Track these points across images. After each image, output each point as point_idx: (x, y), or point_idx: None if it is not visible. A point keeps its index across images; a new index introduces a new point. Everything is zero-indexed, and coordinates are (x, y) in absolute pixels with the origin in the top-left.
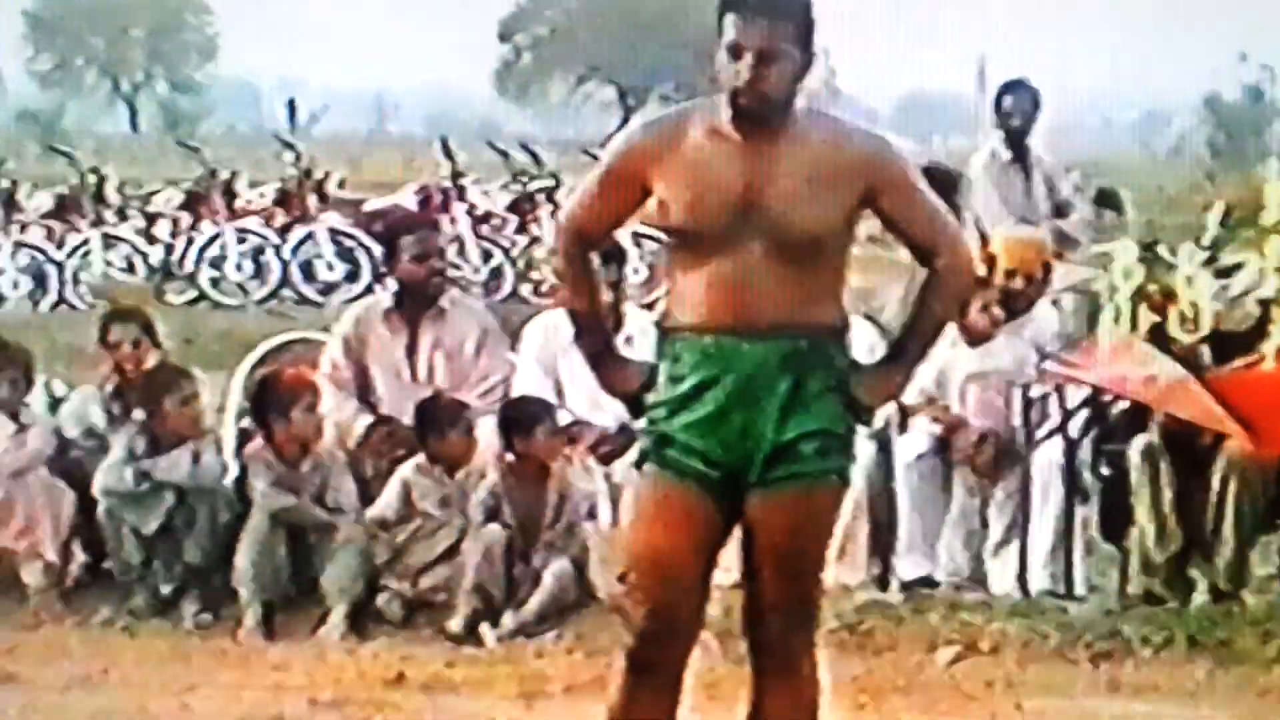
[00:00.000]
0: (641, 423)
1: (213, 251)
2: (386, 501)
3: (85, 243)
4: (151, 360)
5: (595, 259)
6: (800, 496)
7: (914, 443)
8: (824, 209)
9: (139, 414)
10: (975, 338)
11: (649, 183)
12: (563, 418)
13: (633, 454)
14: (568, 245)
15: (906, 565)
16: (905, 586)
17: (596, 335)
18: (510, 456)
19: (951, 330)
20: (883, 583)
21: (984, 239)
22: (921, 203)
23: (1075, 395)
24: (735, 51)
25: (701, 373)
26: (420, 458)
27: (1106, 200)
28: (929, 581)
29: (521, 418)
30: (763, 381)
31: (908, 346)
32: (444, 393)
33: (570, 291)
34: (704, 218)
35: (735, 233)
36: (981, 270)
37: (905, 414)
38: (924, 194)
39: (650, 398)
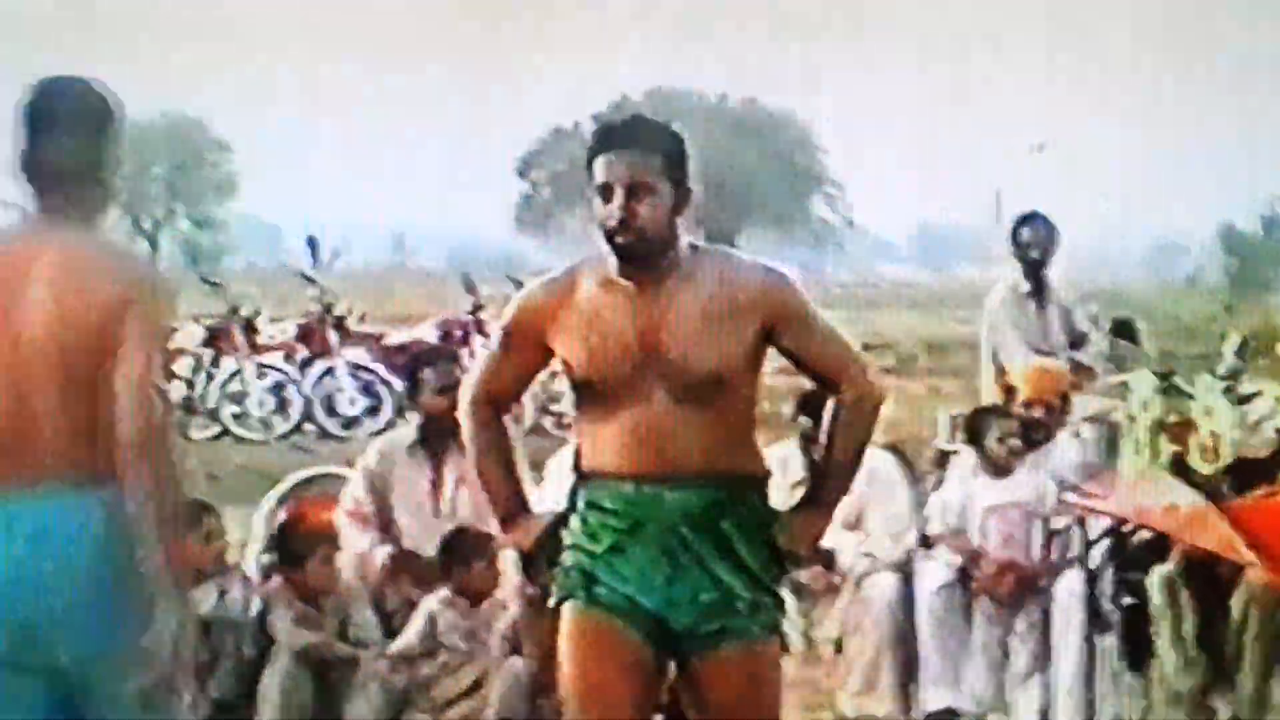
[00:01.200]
0: (564, 560)
1: (234, 387)
2: (411, 635)
3: None
4: None
5: (507, 421)
6: (741, 657)
7: (936, 574)
8: (722, 348)
9: None
10: (996, 469)
11: (547, 340)
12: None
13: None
14: (477, 411)
15: (931, 695)
16: (930, 717)
17: (509, 498)
18: (531, 589)
19: (972, 461)
20: (907, 713)
21: (1002, 370)
22: (822, 335)
23: (1096, 526)
24: (605, 192)
25: (624, 519)
26: (444, 591)
27: (1123, 331)
28: (953, 713)
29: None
30: (687, 531)
31: (826, 485)
32: (469, 525)
33: (480, 457)
34: (604, 368)
35: (638, 380)
36: (1000, 400)
37: (927, 545)
38: (823, 326)
39: (569, 538)
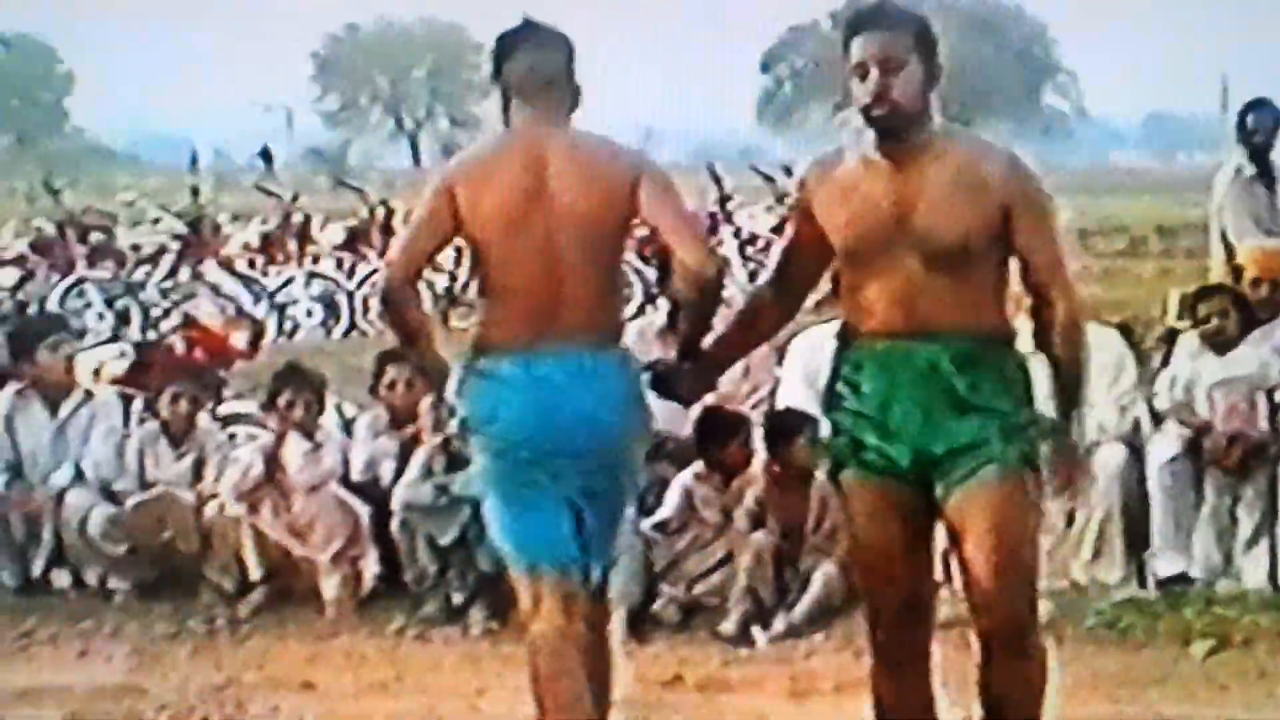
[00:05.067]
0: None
1: None
2: (669, 509)
3: (374, 272)
4: (424, 398)
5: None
6: (991, 488)
7: (1165, 447)
8: (967, 221)
9: (436, 436)
10: (1220, 346)
11: (815, 212)
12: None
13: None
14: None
15: (1162, 563)
16: (1161, 584)
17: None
18: (775, 466)
19: (1197, 338)
20: (1139, 580)
21: (1230, 250)
22: (1048, 238)
23: None
24: (861, 71)
25: (880, 377)
26: (699, 466)
27: None
28: (1184, 578)
29: (784, 429)
30: (936, 380)
31: (1065, 403)
32: (722, 406)
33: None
34: (861, 237)
35: (892, 247)
36: (1229, 280)
37: (1157, 419)
38: (1052, 230)
39: (836, 406)
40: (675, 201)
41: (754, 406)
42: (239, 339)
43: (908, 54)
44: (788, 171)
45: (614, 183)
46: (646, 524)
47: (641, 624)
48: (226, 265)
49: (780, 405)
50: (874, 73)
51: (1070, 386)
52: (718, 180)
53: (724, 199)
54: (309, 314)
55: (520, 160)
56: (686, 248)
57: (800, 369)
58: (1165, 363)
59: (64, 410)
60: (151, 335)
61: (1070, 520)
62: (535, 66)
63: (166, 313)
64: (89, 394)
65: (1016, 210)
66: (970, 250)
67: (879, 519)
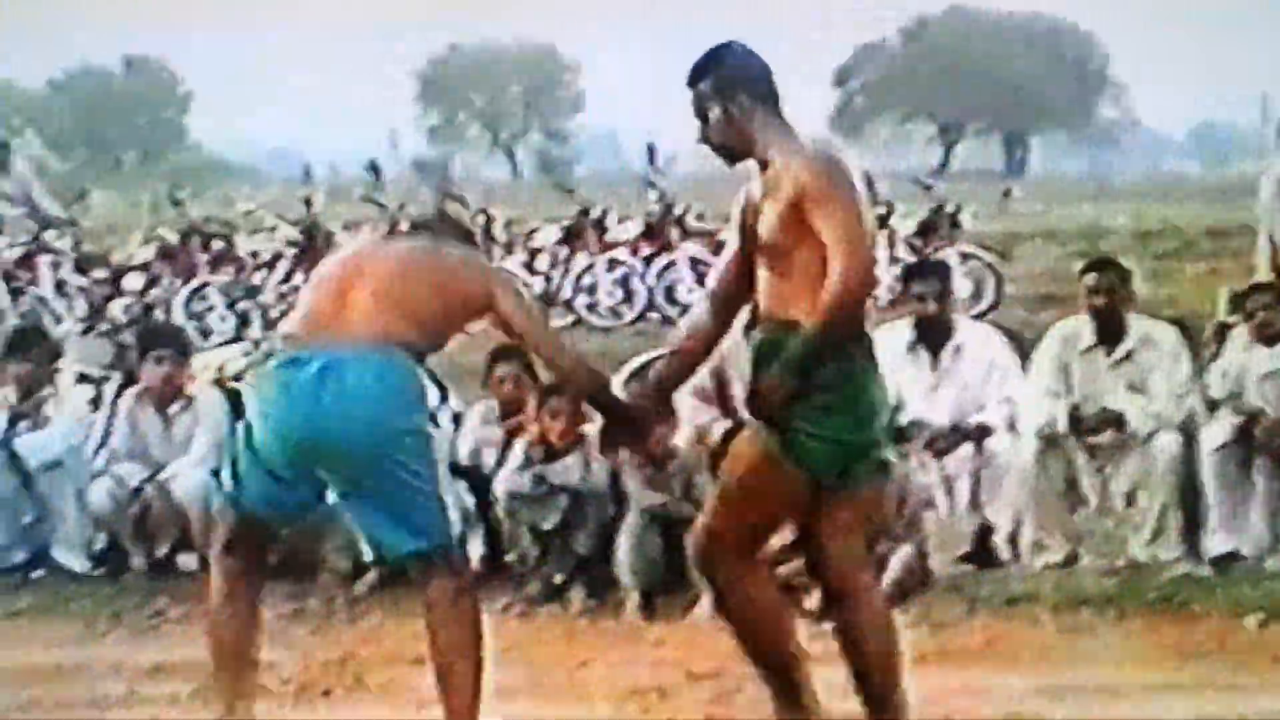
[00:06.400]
0: None
1: (587, 280)
2: None
3: None
4: (530, 393)
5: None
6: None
7: (1218, 434)
8: (771, 219)
9: (533, 427)
10: (1268, 339)
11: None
12: (901, 418)
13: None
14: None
15: (1215, 542)
16: (1214, 561)
17: None
18: None
19: (1246, 334)
20: (1195, 558)
21: (1276, 251)
22: (832, 224)
23: None
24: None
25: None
26: None
27: None
28: (1235, 556)
29: None
30: (764, 366)
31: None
32: None
33: None
34: (742, 244)
35: (753, 250)
36: (1274, 278)
37: (1211, 408)
38: (837, 217)
39: None
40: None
41: None
42: None
43: (710, 103)
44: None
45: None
46: None
47: None
48: None
49: None
50: (699, 122)
51: (801, 346)
52: None
53: None
54: None
55: None
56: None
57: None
58: (1217, 355)
59: (171, 409)
60: (271, 335)
61: (1130, 502)
62: None
63: (284, 314)
64: (192, 397)
65: (805, 204)
66: (779, 246)
67: None
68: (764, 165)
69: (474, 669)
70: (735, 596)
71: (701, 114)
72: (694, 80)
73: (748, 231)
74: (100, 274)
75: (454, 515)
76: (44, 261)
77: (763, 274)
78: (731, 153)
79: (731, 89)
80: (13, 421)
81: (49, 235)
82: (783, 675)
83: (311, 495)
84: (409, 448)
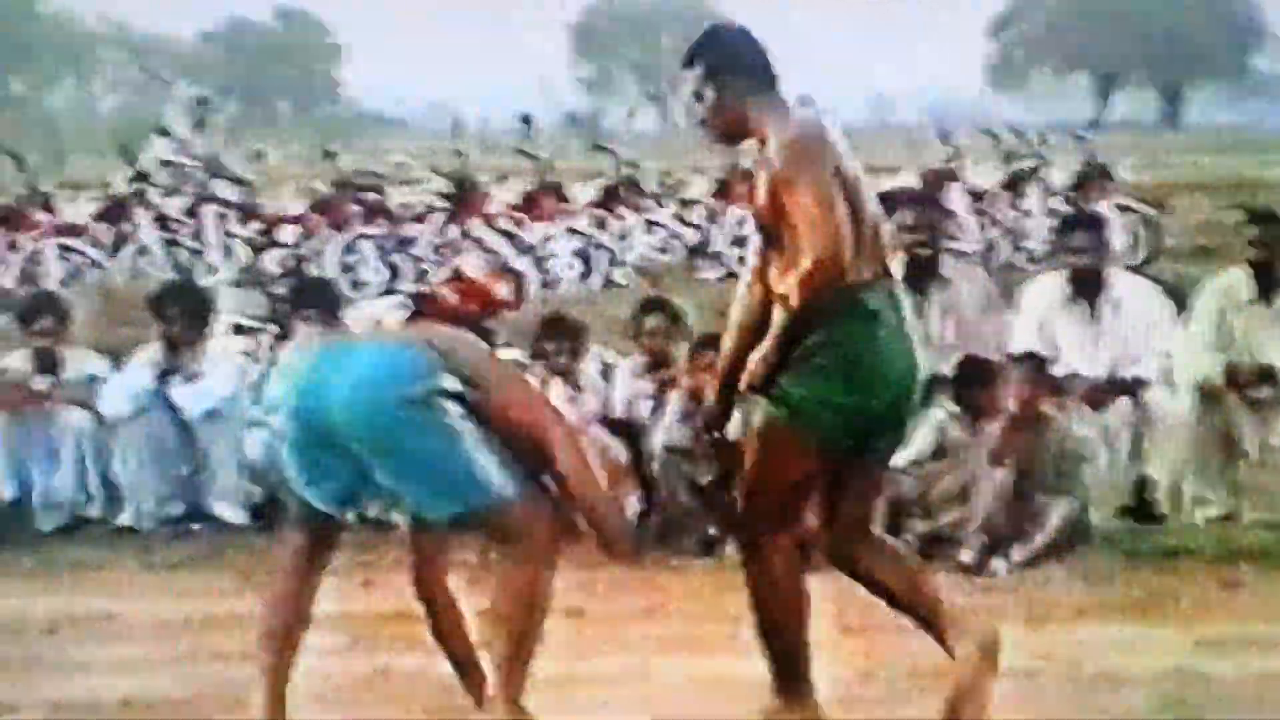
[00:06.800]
0: None
1: (740, 232)
2: (923, 444)
3: (628, 228)
4: (679, 344)
5: None
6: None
7: None
8: (759, 201)
9: (685, 380)
10: None
11: None
12: (1058, 370)
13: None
14: None
15: None
16: None
17: None
18: (1013, 407)
19: None
20: None
21: None
22: (800, 205)
23: None
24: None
25: None
26: (952, 406)
27: None
28: None
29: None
30: None
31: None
32: (976, 354)
33: None
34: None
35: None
36: None
37: None
38: (805, 197)
39: None
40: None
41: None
42: (503, 290)
43: (702, 86)
44: (1016, 134)
45: None
46: (898, 459)
47: None
48: (490, 222)
49: (1016, 348)
50: (692, 104)
51: (780, 323)
52: (947, 141)
53: (953, 157)
54: (569, 267)
55: None
56: None
57: (1032, 314)
58: None
59: None
60: (423, 288)
61: None
62: None
63: (436, 266)
64: None
65: (779, 185)
66: (768, 226)
67: None
68: (761, 145)
69: (515, 635)
70: (761, 571)
71: (695, 96)
72: (687, 63)
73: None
74: (256, 226)
75: (496, 473)
76: (210, 211)
77: (764, 251)
78: (726, 135)
79: (723, 73)
80: (164, 375)
81: (217, 185)
82: (795, 658)
83: (352, 477)
84: (411, 418)
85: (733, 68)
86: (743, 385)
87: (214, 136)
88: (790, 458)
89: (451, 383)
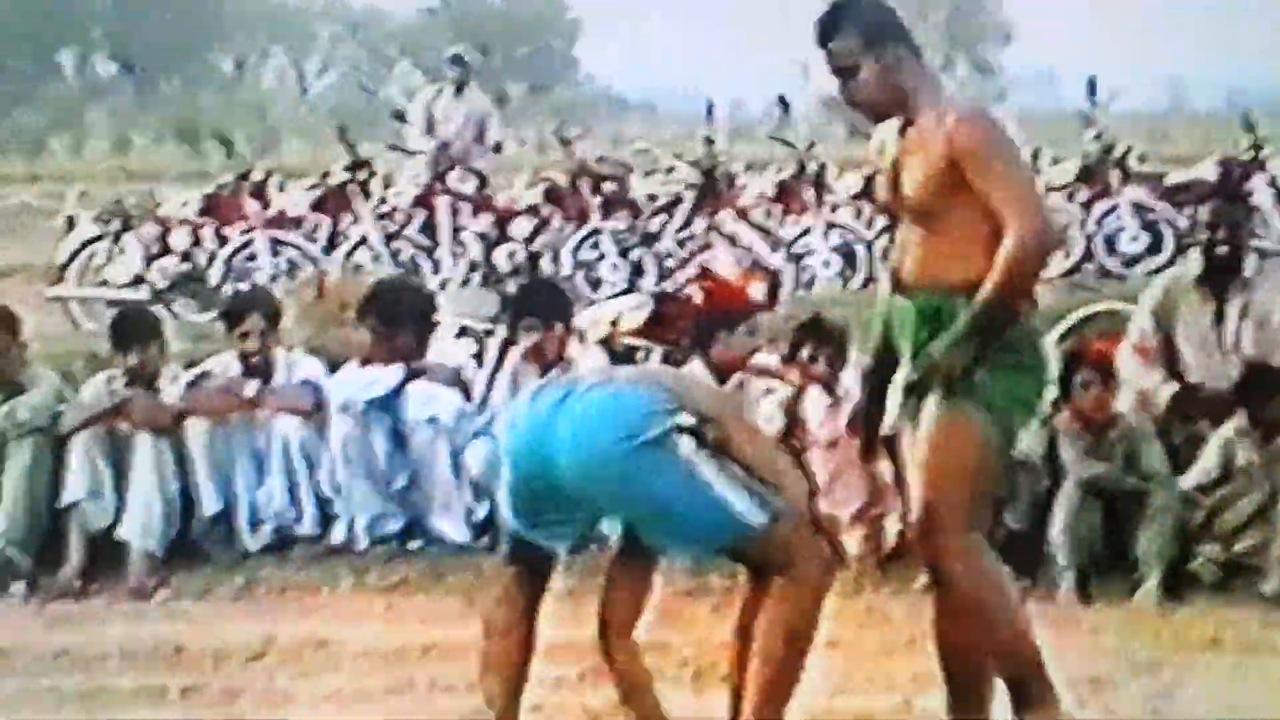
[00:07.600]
0: None
1: None
2: (1208, 466)
3: (892, 222)
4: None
5: None
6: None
7: None
8: (919, 179)
9: None
10: None
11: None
12: None
13: None
14: None
15: None
16: None
17: None
18: None
19: None
20: None
21: None
22: (995, 181)
23: None
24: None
25: (894, 329)
26: (1239, 420)
27: None
28: None
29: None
30: (918, 332)
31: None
32: (1263, 360)
33: None
34: (884, 200)
35: (897, 209)
36: None
37: None
38: (1000, 172)
39: None
40: None
41: None
42: (756, 290)
43: (857, 57)
44: None
45: None
46: (1185, 482)
47: (1178, 584)
48: (742, 215)
49: None
50: (839, 79)
51: (978, 309)
52: (1251, 129)
53: (1258, 146)
54: (826, 264)
55: None
56: None
57: None
58: None
59: (552, 374)
60: (667, 286)
61: None
62: None
63: (682, 263)
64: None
65: (962, 162)
66: (928, 208)
67: None
68: (908, 120)
69: (775, 666)
70: (958, 578)
71: (844, 70)
72: (831, 34)
73: (883, 185)
74: (487, 219)
75: (742, 502)
76: (443, 204)
77: (911, 235)
78: (869, 113)
79: (881, 41)
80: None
81: (452, 177)
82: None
83: (582, 518)
84: (645, 461)
85: (891, 35)
86: (923, 383)
87: (493, 113)
88: (993, 461)
89: (687, 420)
